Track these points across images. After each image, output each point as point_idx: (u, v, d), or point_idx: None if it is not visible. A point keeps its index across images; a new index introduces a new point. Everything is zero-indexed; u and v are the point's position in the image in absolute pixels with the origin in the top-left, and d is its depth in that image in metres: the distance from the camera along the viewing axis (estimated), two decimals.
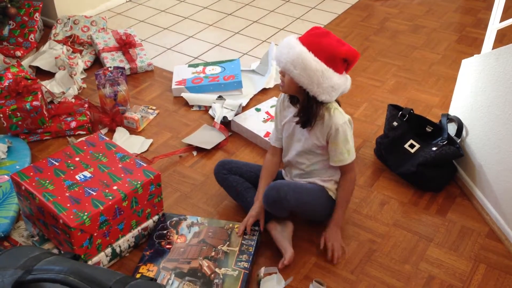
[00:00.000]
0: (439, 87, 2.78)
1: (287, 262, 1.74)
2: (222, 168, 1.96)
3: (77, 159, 1.82)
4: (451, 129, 2.15)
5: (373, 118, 2.54)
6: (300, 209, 1.81)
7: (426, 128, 2.20)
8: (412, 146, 2.12)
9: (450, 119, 2.17)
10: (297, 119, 1.74)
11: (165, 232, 1.83)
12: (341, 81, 1.65)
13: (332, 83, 1.61)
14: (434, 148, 2.04)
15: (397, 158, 2.14)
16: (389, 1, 3.76)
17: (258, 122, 2.40)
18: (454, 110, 2.21)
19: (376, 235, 1.90)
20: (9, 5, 2.87)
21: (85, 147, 1.88)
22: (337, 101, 1.77)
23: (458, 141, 2.09)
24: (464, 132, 2.11)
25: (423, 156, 2.05)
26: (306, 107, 1.69)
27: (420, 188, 2.10)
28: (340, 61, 1.62)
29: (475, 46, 3.15)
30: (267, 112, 2.47)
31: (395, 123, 2.16)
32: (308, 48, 1.60)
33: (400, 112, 2.17)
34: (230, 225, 1.85)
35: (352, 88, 2.75)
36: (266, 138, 2.29)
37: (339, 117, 1.71)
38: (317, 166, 1.83)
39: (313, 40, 1.62)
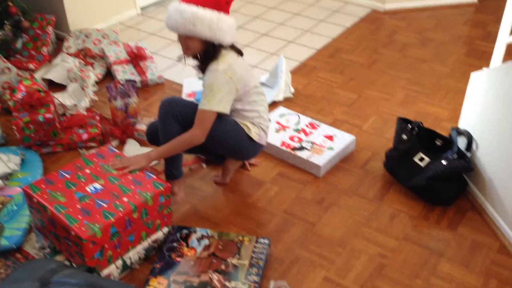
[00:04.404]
0: (448, 100, 2.78)
1: (220, 183, 2.18)
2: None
3: (87, 171, 1.84)
4: (461, 142, 2.15)
5: (382, 131, 2.54)
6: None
7: (436, 142, 2.19)
8: (421, 159, 2.12)
9: (460, 132, 2.16)
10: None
11: (175, 244, 1.83)
12: (232, 20, 1.83)
13: (228, 24, 1.80)
14: (444, 162, 2.03)
15: (407, 171, 2.14)
16: (398, 14, 3.78)
17: (271, 133, 2.41)
18: (463, 123, 2.21)
19: (386, 249, 1.90)
20: (22, 19, 2.92)
21: (95, 159, 1.90)
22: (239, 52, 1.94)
23: (468, 155, 2.08)
24: (474, 146, 2.11)
25: (433, 169, 2.04)
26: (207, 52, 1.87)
27: (430, 202, 2.10)
28: (223, 3, 1.79)
29: (484, 59, 3.15)
30: (277, 122, 2.49)
31: (404, 136, 2.16)
32: (194, 3, 1.76)
33: (410, 125, 2.17)
34: (240, 237, 1.85)
35: (361, 101, 2.81)
36: (283, 147, 2.32)
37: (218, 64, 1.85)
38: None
39: None
